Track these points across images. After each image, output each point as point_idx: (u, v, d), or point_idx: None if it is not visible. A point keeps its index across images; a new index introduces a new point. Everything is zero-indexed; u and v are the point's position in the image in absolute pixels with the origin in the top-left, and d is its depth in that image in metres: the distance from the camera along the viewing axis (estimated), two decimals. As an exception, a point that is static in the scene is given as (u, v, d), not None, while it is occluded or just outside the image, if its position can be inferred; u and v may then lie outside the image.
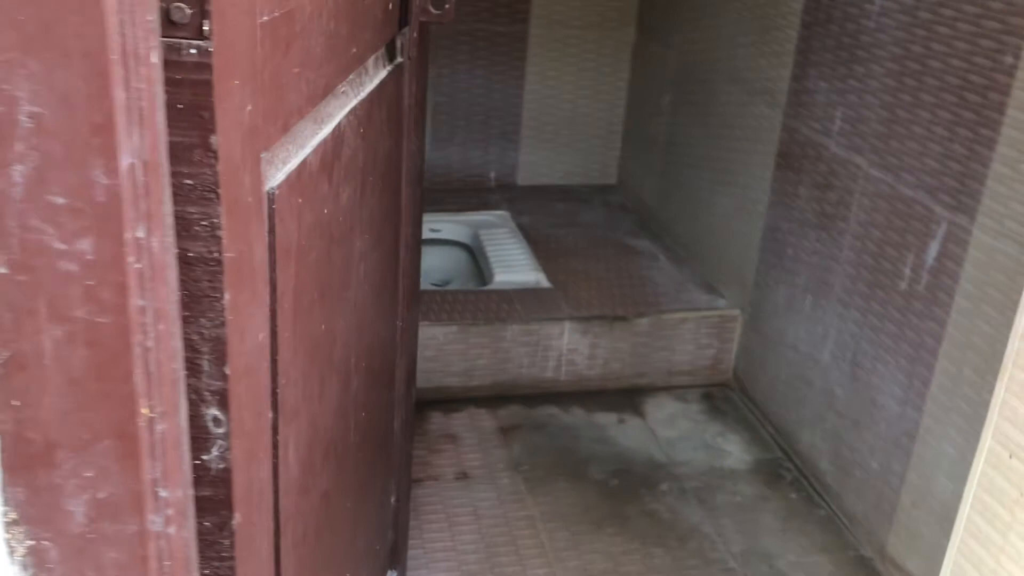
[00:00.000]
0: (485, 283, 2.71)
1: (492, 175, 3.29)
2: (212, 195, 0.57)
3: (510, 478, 2.13)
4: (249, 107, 0.61)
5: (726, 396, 2.50)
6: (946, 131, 1.69)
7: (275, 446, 0.79)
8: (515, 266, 2.70)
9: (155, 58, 0.49)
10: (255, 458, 0.70)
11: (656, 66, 3.00)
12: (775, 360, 2.30)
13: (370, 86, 1.00)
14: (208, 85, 0.54)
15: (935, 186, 1.72)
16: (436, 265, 3.06)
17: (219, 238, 0.58)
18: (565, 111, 3.26)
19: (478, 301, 2.45)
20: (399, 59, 1.10)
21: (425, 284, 3.01)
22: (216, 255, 0.58)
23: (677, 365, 2.52)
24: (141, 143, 0.49)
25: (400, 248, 1.29)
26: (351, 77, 0.93)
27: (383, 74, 1.06)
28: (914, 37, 1.76)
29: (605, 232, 2.97)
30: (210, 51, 0.54)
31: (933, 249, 1.73)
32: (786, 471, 2.22)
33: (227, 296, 0.60)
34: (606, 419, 2.37)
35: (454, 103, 3.17)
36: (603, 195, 3.30)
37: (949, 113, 1.68)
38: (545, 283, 2.60)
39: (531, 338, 2.39)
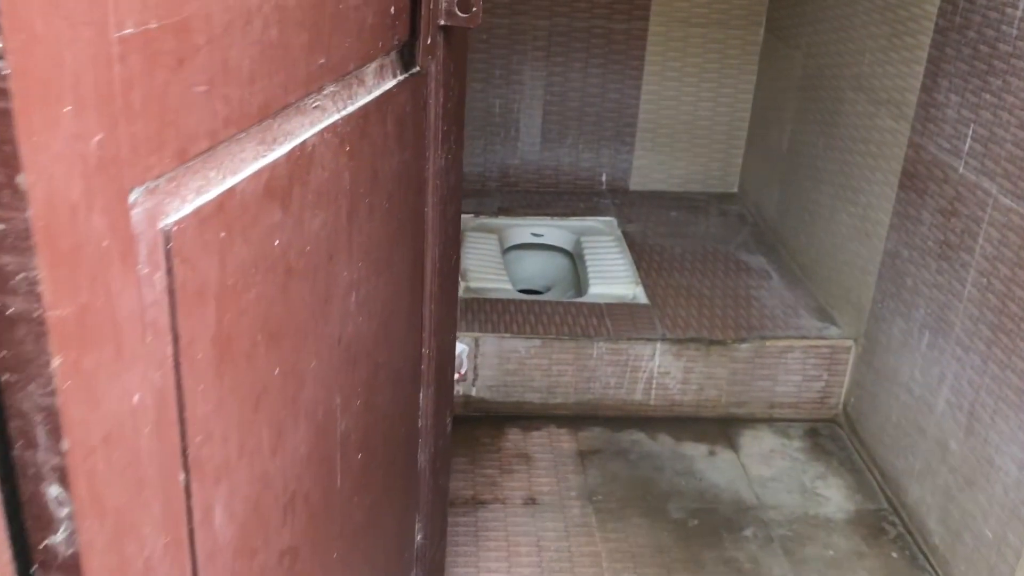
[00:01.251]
0: (582, 293, 2.58)
1: (603, 178, 3.15)
2: (25, 243, 0.48)
3: (581, 508, 2.00)
4: (99, 136, 0.51)
5: (832, 434, 2.28)
6: (1091, 158, 1.45)
7: (189, 511, 0.70)
8: (613, 277, 2.56)
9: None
10: (133, 535, 0.61)
11: (782, 68, 2.79)
12: (887, 399, 2.07)
13: (365, 99, 0.90)
14: (7, 115, 0.45)
15: (1074, 221, 1.48)
16: (537, 271, 2.95)
17: (38, 294, 0.49)
18: (685, 114, 3.08)
19: (566, 313, 2.33)
20: (416, 68, 0.99)
21: (524, 288, 2.91)
22: (37, 313, 0.49)
23: (780, 396, 2.31)
24: None
25: (426, 272, 1.18)
26: (330, 90, 0.82)
27: (389, 85, 0.95)
28: (1060, 47, 1.52)
29: (717, 244, 2.78)
30: (5, 74, 0.44)
31: (1068, 294, 1.49)
32: (890, 525, 1.99)
33: (57, 360, 0.51)
34: (695, 450, 2.20)
35: (565, 103, 3.04)
36: (721, 204, 3.10)
37: (1096, 137, 1.44)
38: (642, 298, 2.45)
39: (619, 357, 2.25)
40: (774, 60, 2.87)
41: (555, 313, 2.33)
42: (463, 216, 2.90)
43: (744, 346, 2.26)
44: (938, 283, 1.87)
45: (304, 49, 0.74)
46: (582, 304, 2.39)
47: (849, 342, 2.26)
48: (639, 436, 2.24)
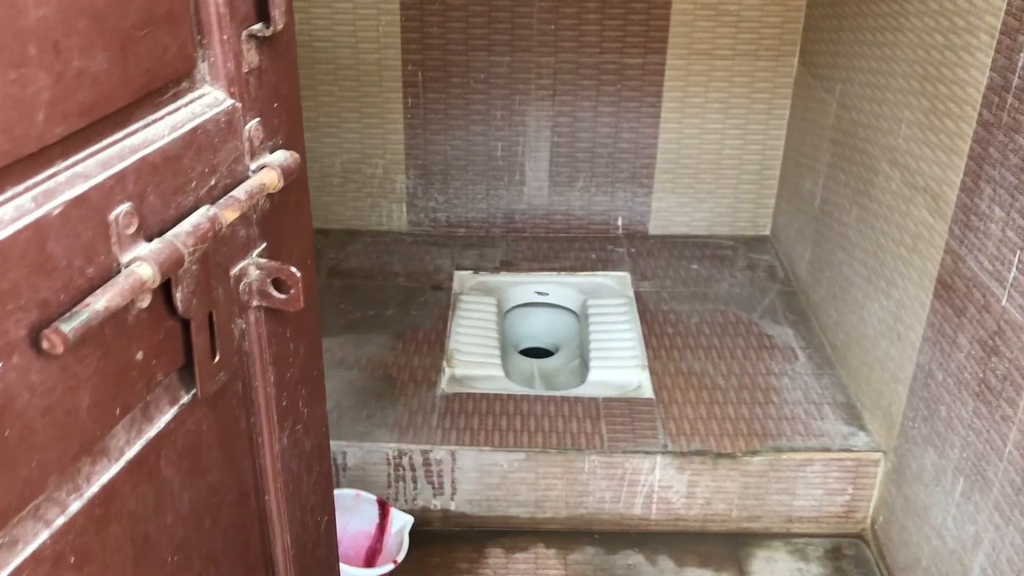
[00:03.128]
0: (586, 365, 2.33)
1: (619, 223, 2.87)
2: None
3: (560, 662, 1.78)
4: None
5: (858, 556, 2.01)
6: None
7: None
8: (617, 360, 2.30)
9: None
10: None
11: (817, 113, 2.46)
12: (917, 537, 1.80)
13: (117, 465, 0.66)
14: None
15: None
16: (544, 328, 2.71)
17: None
18: (709, 152, 2.77)
19: (557, 414, 2.08)
20: (191, 394, 0.75)
21: (530, 347, 2.67)
22: None
23: (798, 510, 2.05)
24: None
25: (276, 555, 0.95)
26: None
27: (168, 417, 0.71)
28: None
29: (740, 311, 2.49)
30: None
31: None
32: None
33: None
34: (698, 578, 1.95)
35: (575, 144, 2.76)
36: (750, 251, 2.80)
37: None
38: (647, 389, 2.19)
39: (615, 471, 2.01)
40: (808, 99, 2.54)
41: (545, 414, 2.09)
42: (461, 273, 2.66)
43: (756, 459, 1.99)
44: (975, 427, 1.58)
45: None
46: (577, 400, 2.14)
47: (878, 455, 1.98)
48: (637, 558, 2.00)
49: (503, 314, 2.59)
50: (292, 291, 0.75)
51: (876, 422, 2.02)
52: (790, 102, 2.69)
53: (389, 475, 2.01)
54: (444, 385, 2.18)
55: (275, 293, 0.76)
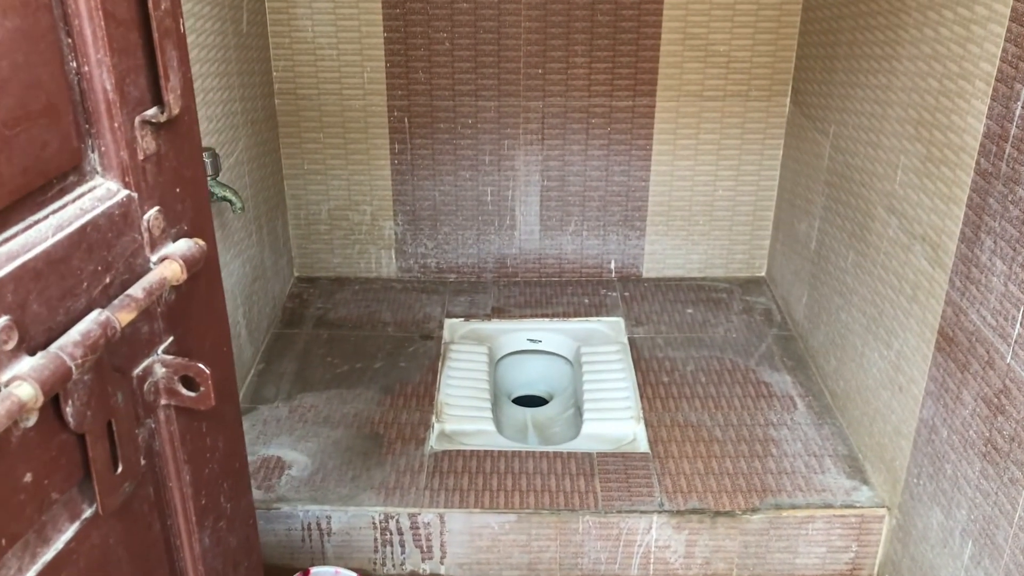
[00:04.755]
0: (580, 414, 2.27)
1: (612, 266, 2.82)
2: None
3: None
4: None
5: (864, 616, 1.94)
6: None
7: None
8: (612, 411, 2.24)
9: None
10: None
11: (810, 154, 2.41)
12: (925, 600, 1.73)
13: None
14: None
15: None
16: (537, 375, 2.65)
17: None
18: (702, 194, 2.72)
19: (550, 472, 2.01)
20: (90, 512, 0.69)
21: (524, 395, 2.61)
22: None
23: (801, 568, 1.98)
24: None
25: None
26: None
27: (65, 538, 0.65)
28: None
29: (736, 357, 2.43)
30: None
31: None
32: None
33: None
34: (698, 643, 1.88)
35: (565, 188, 2.71)
36: (746, 293, 2.74)
37: None
38: (642, 442, 2.12)
39: (610, 531, 1.94)
40: (801, 140, 2.49)
41: (537, 471, 2.02)
42: (452, 321, 2.60)
43: (756, 517, 1.92)
44: (983, 489, 1.52)
45: None
46: (570, 456, 2.07)
47: (882, 511, 1.91)
48: (634, 622, 1.93)
49: (495, 363, 2.53)
50: (202, 388, 0.70)
51: (879, 476, 1.95)
52: (783, 142, 2.64)
53: (376, 539, 1.94)
54: (433, 442, 2.12)
55: (184, 391, 0.71)
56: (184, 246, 0.71)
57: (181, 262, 0.69)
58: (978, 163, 1.53)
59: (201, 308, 0.76)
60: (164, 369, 0.70)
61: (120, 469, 0.67)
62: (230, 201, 1.77)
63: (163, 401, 0.72)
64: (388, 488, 1.97)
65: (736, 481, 1.99)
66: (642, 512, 1.92)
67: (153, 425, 0.72)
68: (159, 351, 0.71)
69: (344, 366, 2.40)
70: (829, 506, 1.93)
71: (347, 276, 2.82)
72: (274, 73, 2.57)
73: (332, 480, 1.99)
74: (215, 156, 1.76)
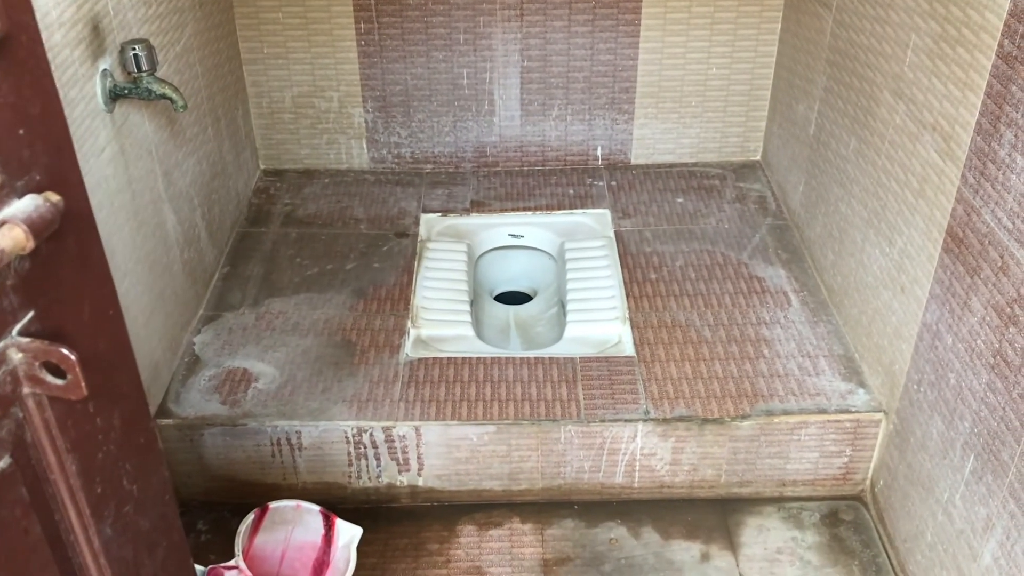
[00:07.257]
0: (564, 312, 2.16)
1: (598, 152, 2.65)
2: None
3: (537, 654, 1.65)
4: None
5: (856, 520, 1.87)
6: None
7: None
8: (596, 311, 2.12)
9: None
10: None
11: (811, 29, 2.22)
12: (921, 509, 1.65)
13: None
14: None
15: None
16: (520, 271, 2.53)
17: None
18: (694, 74, 2.54)
19: (530, 379, 1.92)
20: None
21: (507, 291, 2.50)
22: None
23: (792, 474, 1.90)
24: None
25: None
26: None
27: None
28: None
29: (728, 250, 2.30)
30: None
31: None
32: (920, 673, 1.61)
33: None
34: (685, 553, 1.82)
35: (547, 69, 2.52)
36: (739, 179, 2.59)
37: None
38: (627, 347, 2.01)
39: (593, 440, 1.85)
40: (801, 13, 2.29)
41: (517, 379, 1.92)
42: (428, 216, 2.47)
43: (746, 423, 1.84)
44: (989, 403, 1.41)
45: None
46: (552, 361, 1.97)
47: (879, 416, 1.82)
48: (620, 531, 1.86)
49: (474, 261, 2.40)
50: (70, 377, 0.57)
51: (877, 379, 1.85)
52: (781, 15, 2.44)
53: (349, 453, 1.85)
54: (408, 349, 2.01)
55: (50, 379, 0.58)
56: (29, 205, 0.57)
57: (24, 227, 0.55)
58: (1001, 45, 1.36)
59: (73, 272, 0.63)
60: (21, 355, 0.57)
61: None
62: (170, 98, 1.60)
63: (26, 390, 0.59)
64: (361, 401, 1.87)
65: (725, 385, 1.90)
66: (626, 421, 1.83)
67: (21, 415, 0.60)
68: (13, 333, 0.58)
69: (314, 268, 2.27)
70: (823, 411, 1.84)
71: (316, 168, 2.66)
72: (225, -53, 2.34)
73: (302, 393, 1.89)
74: (150, 48, 1.57)
